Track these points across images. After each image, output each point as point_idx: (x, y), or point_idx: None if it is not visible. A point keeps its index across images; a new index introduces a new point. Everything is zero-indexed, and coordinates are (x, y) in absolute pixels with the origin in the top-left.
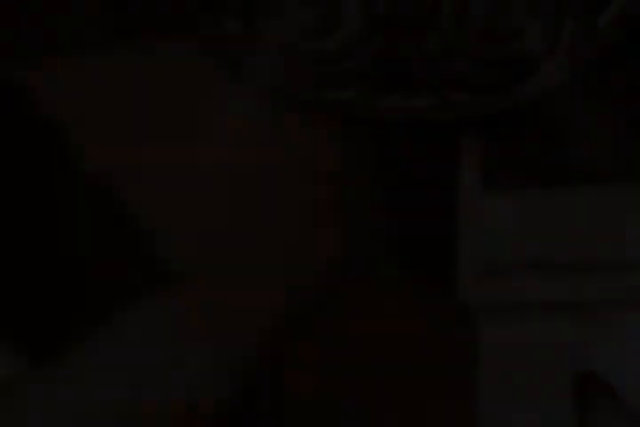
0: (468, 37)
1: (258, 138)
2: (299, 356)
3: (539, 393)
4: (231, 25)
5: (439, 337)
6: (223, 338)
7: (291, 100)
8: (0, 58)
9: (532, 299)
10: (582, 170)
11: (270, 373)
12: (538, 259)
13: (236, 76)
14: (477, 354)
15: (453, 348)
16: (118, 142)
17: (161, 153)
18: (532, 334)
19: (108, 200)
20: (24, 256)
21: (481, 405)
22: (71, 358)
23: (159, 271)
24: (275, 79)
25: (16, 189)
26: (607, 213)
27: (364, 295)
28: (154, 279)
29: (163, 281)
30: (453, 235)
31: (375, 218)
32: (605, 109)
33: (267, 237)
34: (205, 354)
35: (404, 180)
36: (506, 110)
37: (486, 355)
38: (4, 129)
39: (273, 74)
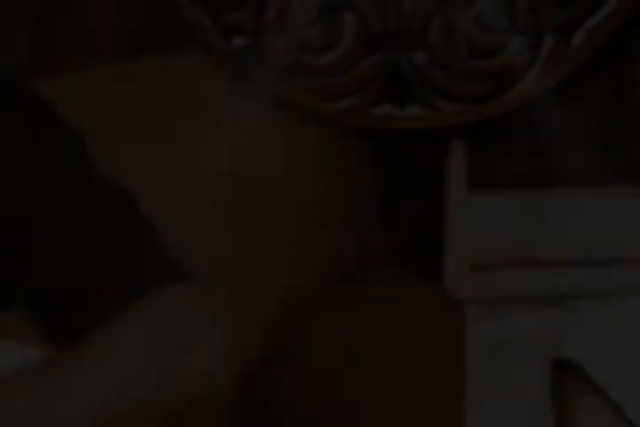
0: (455, 53)
1: (257, 140)
2: (296, 351)
3: (521, 380)
4: (238, 40)
5: (430, 331)
6: (225, 331)
7: (291, 109)
8: (20, 71)
9: (515, 293)
10: (561, 173)
11: (268, 368)
12: (520, 256)
13: (239, 83)
14: (464, 345)
15: (443, 340)
16: (123, 145)
17: (163, 154)
18: (515, 326)
19: (118, 201)
20: (41, 249)
21: (467, 393)
22: (81, 351)
23: (165, 270)
24: (276, 89)
25: (34, 191)
26: (584, 214)
27: (360, 294)
28: (160, 278)
29: (168, 279)
30: (442, 233)
31: (371, 218)
32: (582, 118)
33: (267, 237)
34: (210, 345)
35: (398, 181)
36: (491, 118)
37: (472, 346)
38: (25, 133)
39: (275, 84)
